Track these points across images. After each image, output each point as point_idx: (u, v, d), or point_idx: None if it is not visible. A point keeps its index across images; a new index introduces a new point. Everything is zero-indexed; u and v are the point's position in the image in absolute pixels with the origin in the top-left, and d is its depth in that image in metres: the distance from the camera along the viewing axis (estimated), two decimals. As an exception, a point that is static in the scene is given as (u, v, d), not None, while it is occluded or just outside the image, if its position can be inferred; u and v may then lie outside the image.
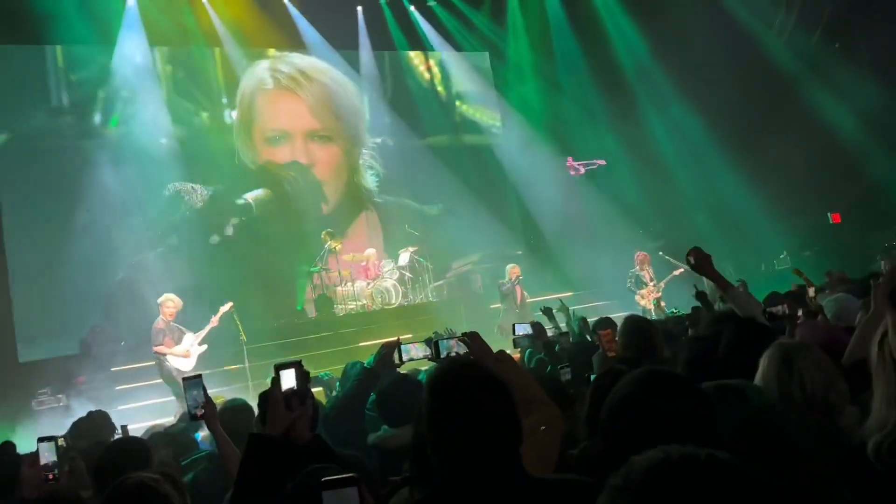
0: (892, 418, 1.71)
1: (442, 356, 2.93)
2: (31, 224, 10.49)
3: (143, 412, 8.34)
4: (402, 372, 4.12)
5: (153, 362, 9.04)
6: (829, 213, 13.58)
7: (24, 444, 3.94)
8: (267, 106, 12.46)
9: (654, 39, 13.37)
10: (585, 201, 13.82)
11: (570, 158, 14.04)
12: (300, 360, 1.99)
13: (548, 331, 5.95)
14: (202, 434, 4.52)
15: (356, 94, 13.18)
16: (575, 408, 3.20)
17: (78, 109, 11.24)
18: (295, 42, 12.87)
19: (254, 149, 12.34)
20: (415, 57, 14.39)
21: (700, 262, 3.71)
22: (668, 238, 13.09)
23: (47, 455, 2.76)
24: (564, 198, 14.06)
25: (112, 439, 4.27)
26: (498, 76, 14.85)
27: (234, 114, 12.33)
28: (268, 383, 1.99)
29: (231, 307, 9.58)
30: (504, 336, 8.00)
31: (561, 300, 7.34)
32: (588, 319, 6.75)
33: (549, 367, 4.77)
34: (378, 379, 3.69)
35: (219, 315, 9.38)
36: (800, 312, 5.06)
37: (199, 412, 2.79)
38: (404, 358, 3.50)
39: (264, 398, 2.09)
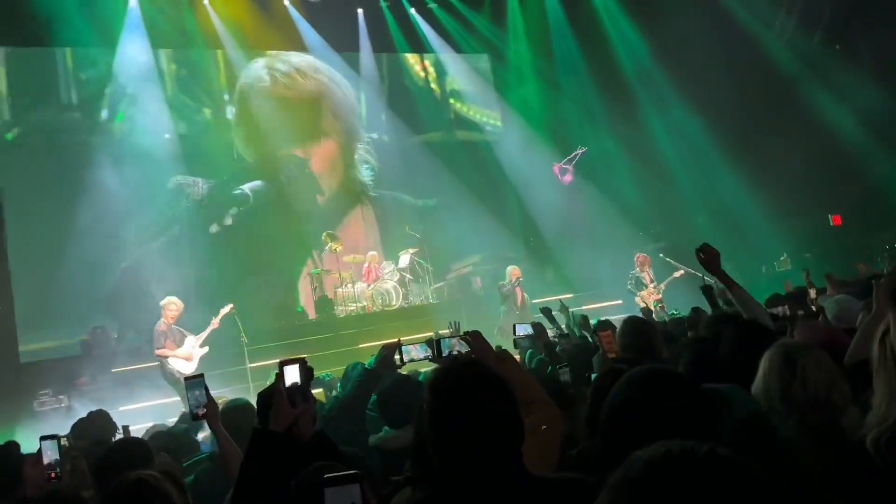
0: (893, 415, 1.72)
1: (443, 355, 2.93)
2: (34, 221, 10.55)
3: (144, 413, 8.34)
4: (403, 373, 4.13)
5: (155, 363, 9.07)
6: (829, 215, 13.57)
7: (26, 445, 3.93)
8: (264, 102, 12.67)
9: (654, 40, 13.37)
10: (585, 203, 13.83)
11: (555, 167, 14.05)
12: (304, 357, 2.00)
13: (548, 331, 5.94)
14: (202, 435, 4.53)
15: (352, 91, 13.36)
16: (575, 408, 3.21)
17: (85, 107, 11.48)
18: (296, 44, 12.95)
19: (252, 144, 12.58)
20: (415, 59, 14.41)
21: (708, 259, 3.73)
22: (668, 240, 13.09)
23: (50, 454, 2.77)
24: (564, 199, 14.06)
25: (113, 440, 4.28)
26: (498, 78, 14.87)
27: (232, 110, 12.57)
28: (268, 385, 2.00)
29: (231, 309, 9.61)
30: (504, 337, 8.01)
31: (561, 301, 7.30)
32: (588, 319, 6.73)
33: (549, 368, 4.77)
34: (379, 380, 3.69)
35: (219, 317, 9.43)
36: (800, 314, 5.07)
37: (201, 412, 2.79)
38: (405, 359, 3.51)
39: (263, 397, 2.09)
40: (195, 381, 2.84)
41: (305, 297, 12.46)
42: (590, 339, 5.66)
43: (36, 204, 10.61)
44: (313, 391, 2.12)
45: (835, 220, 13.53)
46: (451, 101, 14.72)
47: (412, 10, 13.86)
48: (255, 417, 2.44)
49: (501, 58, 14.75)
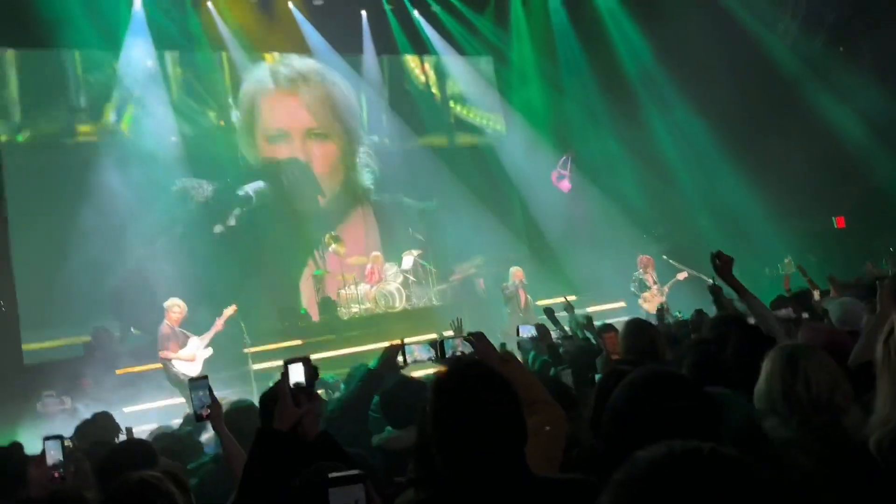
0: (896, 416, 1.72)
1: (447, 356, 2.93)
2: (38, 222, 10.57)
3: (148, 414, 8.36)
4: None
5: (158, 364, 9.09)
6: (833, 218, 13.54)
7: (29, 446, 3.94)
8: (268, 106, 12.82)
9: (656, 42, 13.36)
10: (588, 204, 13.82)
11: (552, 174, 14.08)
12: (308, 356, 2.01)
13: (551, 333, 5.94)
14: (206, 437, 4.53)
15: (353, 94, 13.46)
16: (578, 409, 3.21)
17: (92, 110, 11.58)
18: (299, 46, 12.98)
19: (255, 146, 12.72)
20: (416, 61, 14.44)
21: (723, 266, 3.75)
22: (671, 241, 13.07)
23: (54, 454, 2.78)
24: (567, 201, 14.05)
25: (116, 441, 4.28)
26: (501, 80, 14.87)
27: (237, 114, 12.72)
28: (271, 386, 2.00)
29: (234, 310, 9.63)
30: (507, 339, 7.98)
31: (566, 299, 7.19)
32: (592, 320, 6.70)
33: (552, 369, 4.77)
34: (382, 380, 3.70)
35: (223, 318, 9.43)
36: (804, 316, 5.06)
37: (205, 413, 2.80)
38: (408, 360, 3.51)
39: (265, 398, 2.10)
40: (199, 383, 2.85)
41: (308, 299, 12.48)
42: (593, 341, 5.66)
43: (40, 205, 10.63)
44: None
45: (838, 222, 13.51)
46: (453, 103, 14.73)
47: (415, 13, 13.88)
48: (259, 419, 2.45)
49: (504, 60, 14.76)
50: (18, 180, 10.75)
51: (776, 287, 9.26)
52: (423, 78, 14.53)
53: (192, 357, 9.06)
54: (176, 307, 9.12)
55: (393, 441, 3.32)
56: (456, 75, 14.48)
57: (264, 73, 12.83)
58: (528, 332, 5.34)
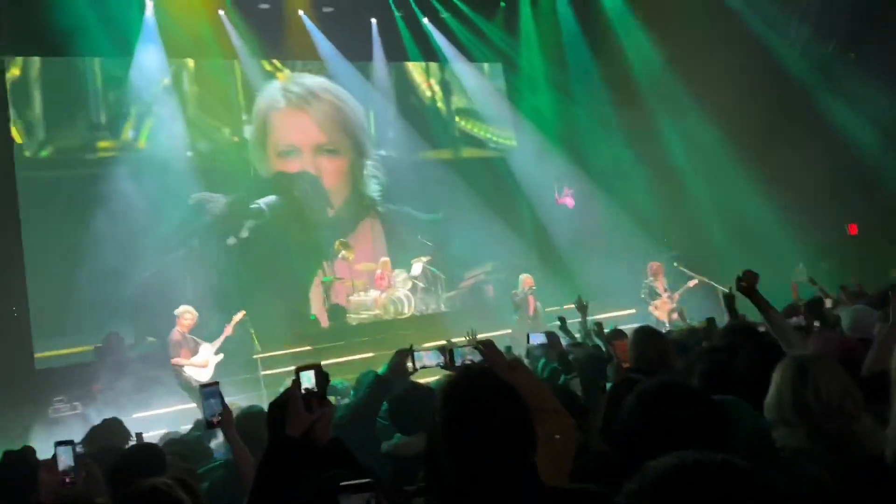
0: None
1: (456, 364, 2.93)
2: (53, 233, 10.71)
3: (158, 420, 8.38)
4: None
5: (169, 370, 9.14)
6: (846, 225, 13.44)
7: (40, 452, 3.97)
8: (279, 123, 13.10)
9: (668, 49, 13.34)
10: (598, 211, 13.79)
11: (555, 196, 14.17)
12: (319, 363, 2.01)
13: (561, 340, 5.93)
14: (215, 442, 4.55)
15: (362, 109, 13.68)
16: (588, 417, 3.20)
17: (111, 127, 11.88)
18: (310, 54, 13.06)
19: (267, 161, 12.96)
20: (428, 67, 14.48)
21: (748, 284, 3.79)
22: (682, 249, 13.02)
23: (64, 459, 2.79)
24: (577, 208, 14.03)
25: (126, 446, 4.30)
26: (511, 87, 14.87)
27: (250, 129, 13.03)
28: (280, 392, 2.00)
29: (244, 315, 9.69)
30: (516, 345, 7.96)
31: (580, 297, 7.08)
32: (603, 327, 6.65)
33: (561, 377, 4.76)
34: (391, 387, 3.69)
35: (232, 324, 9.52)
36: (816, 325, 5.04)
37: (216, 419, 2.80)
38: (417, 366, 3.50)
39: (273, 406, 2.10)
40: (210, 389, 2.85)
41: (318, 305, 12.53)
42: (603, 348, 5.64)
43: (57, 215, 10.79)
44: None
45: (851, 229, 13.42)
46: (462, 113, 14.75)
47: (425, 20, 13.92)
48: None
49: (514, 67, 14.77)
50: (36, 191, 10.96)
51: (788, 295, 9.21)
52: (431, 88, 14.58)
53: (204, 363, 9.14)
54: (188, 314, 9.19)
55: (402, 448, 3.31)
56: (465, 83, 14.50)
57: (276, 90, 13.13)
58: (538, 339, 5.32)
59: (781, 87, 13.00)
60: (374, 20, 13.61)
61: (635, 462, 1.02)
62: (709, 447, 1.43)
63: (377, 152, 13.78)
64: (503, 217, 13.22)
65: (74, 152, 11.54)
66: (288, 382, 2.04)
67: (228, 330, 9.41)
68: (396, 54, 13.87)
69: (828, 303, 6.65)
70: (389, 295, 12.39)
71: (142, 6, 11.71)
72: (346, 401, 4.89)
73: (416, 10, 13.79)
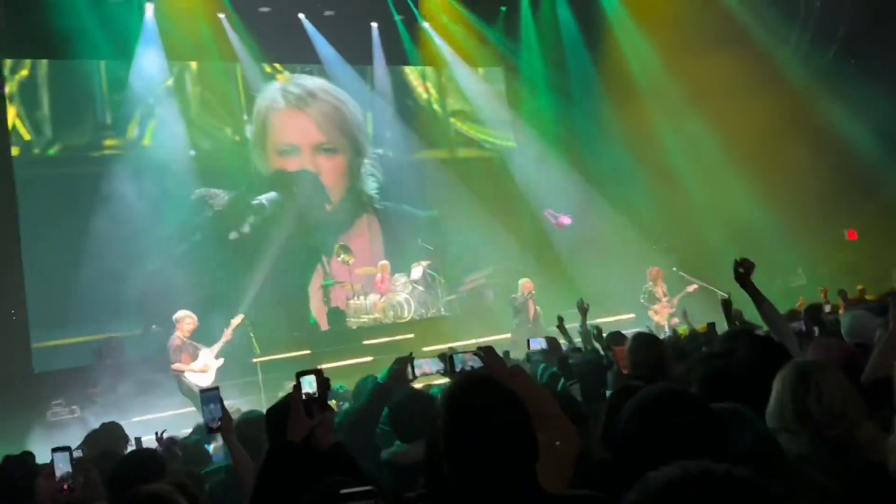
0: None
1: (456, 371, 2.92)
2: (50, 233, 10.74)
3: (158, 424, 8.33)
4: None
5: (168, 373, 9.12)
6: (845, 230, 13.45)
7: (39, 456, 3.95)
8: (279, 123, 13.22)
9: (667, 54, 13.35)
10: (598, 216, 13.79)
11: (545, 212, 14.16)
12: (320, 368, 2.00)
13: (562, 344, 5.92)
14: (214, 446, 4.54)
15: (359, 109, 13.79)
16: (588, 424, 3.19)
17: (116, 126, 11.99)
18: (310, 57, 13.10)
19: (267, 160, 13.09)
20: (424, 74, 14.50)
21: (744, 272, 3.77)
22: (681, 253, 13.02)
23: (62, 466, 2.77)
24: (577, 212, 14.03)
25: (125, 451, 4.29)
26: (511, 90, 14.89)
27: (251, 129, 13.13)
28: (280, 396, 2.00)
29: (242, 319, 9.67)
30: (516, 350, 7.94)
31: (581, 300, 7.07)
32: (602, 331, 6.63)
33: (561, 383, 4.74)
34: (390, 394, 3.67)
35: (231, 328, 9.48)
36: (815, 329, 5.03)
37: (216, 425, 2.79)
38: (417, 373, 3.49)
39: (272, 412, 2.09)
40: (210, 395, 2.84)
41: (317, 309, 12.53)
42: (601, 353, 5.63)
43: (58, 214, 10.83)
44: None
45: (850, 235, 13.42)
46: (461, 115, 14.78)
47: (426, 24, 13.94)
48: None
49: (514, 70, 14.79)
50: (39, 190, 11.04)
51: (787, 299, 9.20)
52: (429, 90, 14.61)
53: (205, 368, 9.11)
54: (188, 319, 9.15)
55: (402, 455, 3.30)
56: (465, 86, 14.52)
57: (275, 91, 13.25)
58: (538, 344, 5.30)
59: (781, 91, 13.02)
60: (374, 24, 13.62)
61: (634, 469, 1.02)
62: (707, 454, 1.43)
63: (375, 151, 13.89)
64: (502, 220, 13.23)
65: (81, 150, 11.68)
66: (287, 386, 2.03)
67: (227, 334, 9.38)
68: (397, 58, 13.89)
69: (827, 308, 6.64)
70: (389, 299, 12.39)
71: (141, 9, 11.75)
72: (346, 405, 4.88)
73: (417, 14, 13.81)
